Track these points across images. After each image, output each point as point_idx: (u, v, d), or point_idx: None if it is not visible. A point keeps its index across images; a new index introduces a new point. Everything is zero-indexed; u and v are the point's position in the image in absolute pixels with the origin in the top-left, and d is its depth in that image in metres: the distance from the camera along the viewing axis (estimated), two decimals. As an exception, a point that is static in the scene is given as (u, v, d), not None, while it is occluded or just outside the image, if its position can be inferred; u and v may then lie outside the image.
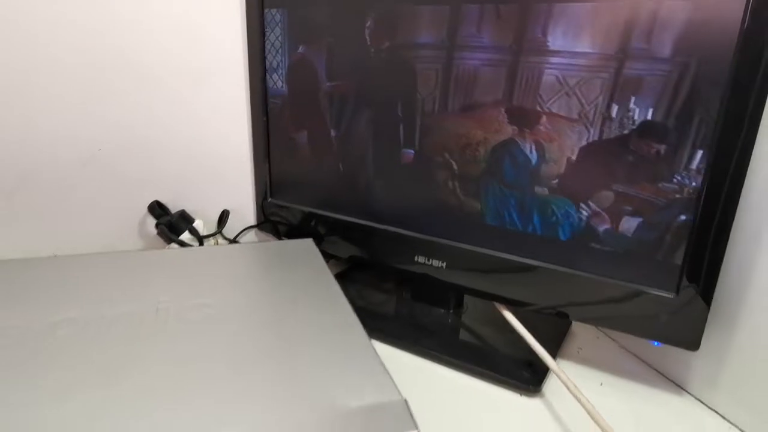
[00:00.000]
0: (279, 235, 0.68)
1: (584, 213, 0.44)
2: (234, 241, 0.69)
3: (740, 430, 0.43)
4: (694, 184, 0.40)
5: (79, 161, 0.62)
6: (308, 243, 0.53)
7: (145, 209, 0.65)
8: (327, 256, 0.53)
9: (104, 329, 0.35)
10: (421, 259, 0.55)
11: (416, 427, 0.28)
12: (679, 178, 0.40)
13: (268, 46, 0.61)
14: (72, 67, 0.59)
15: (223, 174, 0.68)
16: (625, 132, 0.41)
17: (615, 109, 0.41)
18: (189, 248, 0.52)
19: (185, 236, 0.63)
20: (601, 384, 0.48)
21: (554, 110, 0.43)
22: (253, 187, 0.68)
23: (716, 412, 0.45)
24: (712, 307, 0.42)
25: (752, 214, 0.41)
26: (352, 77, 0.55)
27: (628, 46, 0.40)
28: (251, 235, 0.71)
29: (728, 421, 0.44)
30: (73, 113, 0.61)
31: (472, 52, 0.47)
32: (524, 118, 0.45)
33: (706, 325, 0.42)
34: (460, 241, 0.52)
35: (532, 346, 0.47)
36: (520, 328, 0.49)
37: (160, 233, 0.61)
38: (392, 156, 0.54)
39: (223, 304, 0.40)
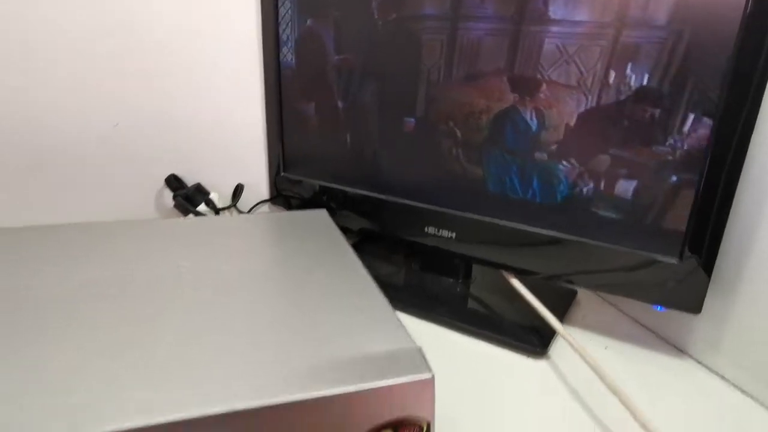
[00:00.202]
0: (291, 209, 0.69)
1: (582, 177, 0.46)
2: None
3: (740, 389, 0.45)
4: (698, 150, 0.41)
5: (97, 137, 0.64)
6: (322, 213, 0.55)
7: (162, 182, 0.67)
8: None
9: (130, 289, 0.37)
10: (431, 230, 0.57)
11: (431, 371, 0.30)
12: (681, 143, 0.42)
13: (279, 20, 0.62)
14: (89, 46, 0.61)
15: (238, 148, 0.69)
16: (622, 98, 0.42)
17: (612, 75, 0.42)
18: (207, 217, 0.54)
19: (201, 208, 0.65)
20: (606, 348, 0.50)
21: (554, 78, 0.45)
22: (266, 161, 0.70)
23: (716, 373, 0.47)
24: (714, 272, 0.43)
25: (755, 182, 0.42)
26: (360, 50, 0.56)
27: (625, 13, 0.41)
28: (264, 209, 0.73)
29: (728, 381, 0.46)
30: (90, 90, 0.62)
31: (475, 22, 0.48)
32: (525, 86, 0.46)
33: (708, 290, 0.44)
34: (469, 212, 0.54)
35: (538, 311, 0.49)
36: (528, 294, 0.51)
37: (178, 205, 0.63)
38: (399, 126, 0.55)
39: (242, 267, 0.41)
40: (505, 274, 0.54)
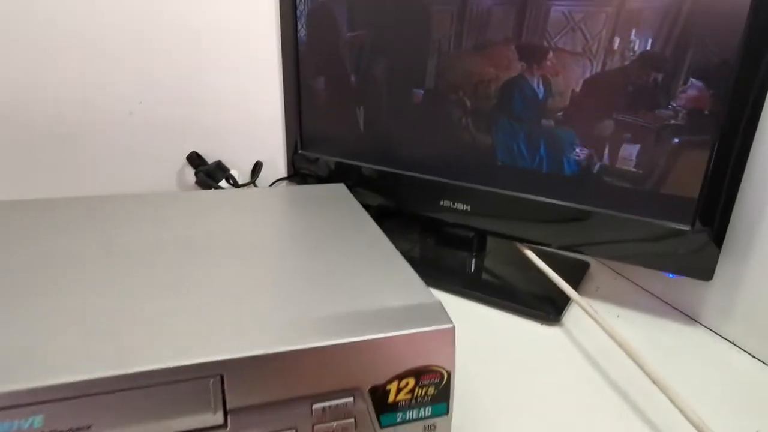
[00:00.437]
0: (309, 186, 0.71)
1: (589, 144, 0.47)
2: (266, 192, 0.72)
3: (750, 354, 0.46)
4: (709, 115, 0.42)
5: (123, 114, 0.66)
6: (341, 186, 0.56)
7: (183, 159, 0.69)
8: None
9: (166, 250, 0.39)
10: (446, 204, 0.58)
11: (451, 322, 0.31)
12: (689, 108, 0.42)
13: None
14: (115, 27, 0.63)
15: (256, 126, 0.71)
16: (626, 63, 0.43)
17: (617, 41, 0.43)
18: (230, 189, 0.55)
19: (222, 185, 0.67)
20: (618, 316, 0.51)
21: (560, 45, 0.46)
22: (284, 139, 0.71)
23: (727, 339, 0.48)
24: (725, 239, 0.44)
25: (766, 148, 0.43)
26: (373, 24, 0.58)
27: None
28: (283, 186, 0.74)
29: (738, 347, 0.47)
30: (117, 68, 0.64)
31: None
32: (533, 54, 0.47)
33: (720, 257, 0.45)
34: (482, 184, 0.55)
35: (552, 279, 0.50)
36: (541, 264, 0.52)
37: (199, 181, 0.65)
38: (411, 98, 0.57)
39: (267, 232, 0.43)
40: (519, 245, 0.55)
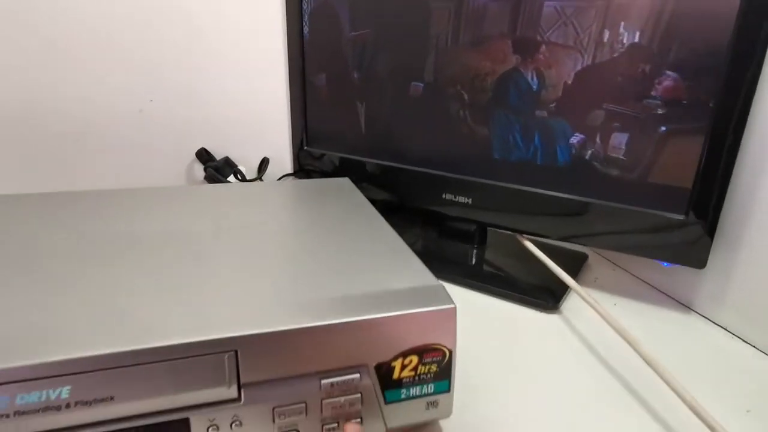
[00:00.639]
0: (314, 182, 0.73)
1: (581, 134, 0.49)
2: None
3: (742, 339, 0.47)
4: (701, 107, 0.43)
5: (134, 111, 0.67)
6: (346, 180, 0.58)
7: (192, 155, 0.71)
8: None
9: (179, 239, 0.41)
10: (448, 197, 0.60)
11: (453, 303, 0.33)
12: (685, 100, 0.44)
13: None
14: (128, 29, 0.65)
15: (263, 123, 0.73)
16: (616, 55, 0.45)
17: (606, 34, 0.45)
18: (239, 183, 0.57)
19: (230, 179, 0.68)
20: (615, 305, 0.53)
21: (553, 39, 0.48)
22: (290, 136, 0.73)
23: (720, 326, 0.49)
24: (717, 228, 0.46)
25: (759, 138, 0.44)
26: (374, 22, 0.59)
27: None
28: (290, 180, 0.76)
29: (731, 332, 0.48)
30: (128, 68, 0.66)
31: None
32: (527, 48, 0.49)
33: (713, 245, 0.47)
34: (482, 177, 0.56)
35: (551, 269, 0.52)
36: (540, 254, 0.54)
37: (208, 176, 0.67)
38: (412, 93, 0.58)
39: (275, 221, 0.45)
40: (519, 237, 0.57)
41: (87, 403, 0.27)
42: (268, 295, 0.33)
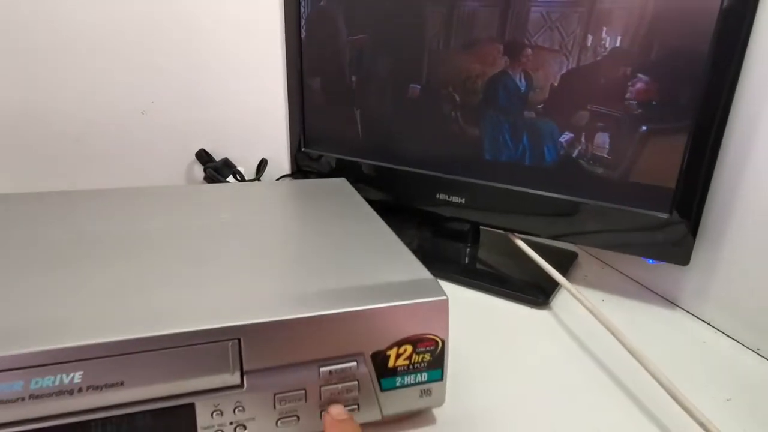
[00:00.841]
0: (311, 182, 0.74)
1: (568, 134, 0.51)
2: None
3: (724, 333, 0.49)
4: (683, 111, 0.45)
5: (135, 113, 0.69)
6: (342, 180, 0.60)
7: (192, 156, 0.72)
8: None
9: (183, 234, 0.42)
10: (442, 197, 0.61)
11: (445, 294, 0.34)
12: (664, 104, 0.46)
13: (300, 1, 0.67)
14: (128, 33, 0.66)
15: (262, 125, 0.75)
16: (599, 58, 0.48)
17: (590, 39, 0.47)
18: (238, 183, 0.59)
19: (229, 180, 0.70)
20: (603, 300, 0.55)
21: (540, 43, 0.50)
22: (288, 137, 0.75)
23: (703, 320, 0.51)
24: (700, 226, 0.48)
25: (739, 139, 0.46)
26: (369, 26, 0.61)
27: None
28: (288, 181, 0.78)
29: (714, 327, 0.50)
30: (129, 70, 0.67)
31: None
32: (515, 51, 0.51)
33: (696, 243, 0.48)
34: (474, 177, 0.58)
35: (541, 266, 0.54)
36: (531, 252, 0.55)
37: (208, 177, 0.68)
38: (406, 96, 0.60)
39: (275, 219, 0.46)
40: (510, 235, 0.58)
41: (98, 388, 0.29)
42: (269, 287, 0.34)
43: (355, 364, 0.33)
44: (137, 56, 0.67)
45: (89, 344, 0.28)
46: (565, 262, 0.62)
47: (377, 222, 0.47)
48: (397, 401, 0.35)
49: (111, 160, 0.70)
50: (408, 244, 0.42)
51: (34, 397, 0.28)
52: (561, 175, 0.53)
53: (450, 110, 0.58)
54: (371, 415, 0.35)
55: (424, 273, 0.37)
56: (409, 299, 0.33)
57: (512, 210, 0.57)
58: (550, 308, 0.53)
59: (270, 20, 0.70)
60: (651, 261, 0.53)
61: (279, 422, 0.32)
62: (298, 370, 0.32)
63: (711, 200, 0.48)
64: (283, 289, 0.34)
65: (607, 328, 0.45)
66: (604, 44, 0.47)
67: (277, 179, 0.76)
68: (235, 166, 0.72)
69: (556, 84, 0.50)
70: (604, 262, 0.64)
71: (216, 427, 0.31)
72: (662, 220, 0.48)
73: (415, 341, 0.34)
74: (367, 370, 0.34)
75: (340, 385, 0.33)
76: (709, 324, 0.51)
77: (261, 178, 0.74)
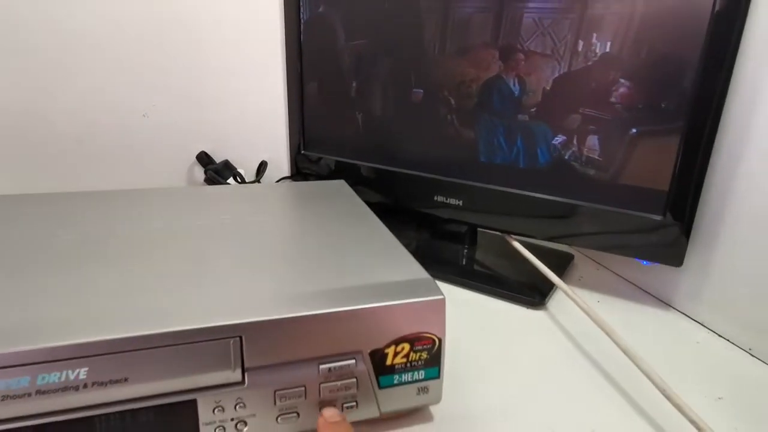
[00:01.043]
0: (311, 184, 0.75)
1: (560, 136, 0.52)
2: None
3: (716, 333, 0.50)
4: (676, 113, 0.46)
5: (136, 115, 0.70)
6: (341, 182, 0.61)
7: (193, 158, 0.73)
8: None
9: (187, 234, 0.43)
10: (440, 199, 0.62)
11: (442, 294, 0.35)
12: (656, 108, 0.47)
13: (300, 6, 0.68)
14: (131, 34, 0.67)
15: (262, 128, 0.76)
16: (590, 63, 0.49)
17: (581, 44, 0.48)
18: (239, 185, 0.59)
19: (230, 182, 0.71)
20: (598, 301, 0.56)
21: (532, 48, 0.51)
22: (288, 140, 0.76)
23: (697, 321, 0.52)
24: (693, 228, 0.49)
25: (730, 142, 0.47)
26: (367, 32, 0.62)
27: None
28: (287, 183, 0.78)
29: (707, 327, 0.51)
30: (131, 73, 0.68)
31: (467, 1, 0.55)
32: (508, 56, 0.53)
33: (689, 245, 0.49)
34: (471, 179, 0.59)
35: (537, 267, 0.54)
36: (527, 253, 0.56)
37: (208, 179, 0.69)
38: (405, 99, 0.62)
39: (275, 220, 0.47)
40: (507, 237, 0.59)
41: (103, 384, 0.29)
42: (270, 286, 0.35)
43: (353, 361, 0.34)
44: (139, 59, 0.68)
45: (94, 341, 0.29)
46: (561, 264, 0.63)
47: (376, 223, 0.47)
48: (395, 398, 0.36)
49: (113, 162, 0.71)
50: (406, 246, 0.43)
51: (40, 392, 0.28)
52: (556, 178, 0.54)
53: (446, 114, 0.59)
54: (369, 412, 0.35)
55: (421, 273, 0.38)
56: (406, 298, 0.34)
57: (509, 212, 0.57)
58: (546, 309, 0.54)
59: (270, 24, 0.71)
60: (645, 262, 0.54)
61: (279, 418, 0.33)
62: (298, 367, 0.33)
63: (704, 202, 0.49)
64: (284, 289, 0.35)
65: (602, 329, 0.46)
66: (595, 49, 0.48)
67: (277, 181, 0.76)
68: (235, 168, 0.73)
69: (548, 88, 0.51)
70: (599, 264, 0.65)
71: (217, 423, 0.32)
72: (656, 222, 0.49)
73: (413, 340, 0.35)
74: (365, 367, 0.34)
75: (339, 383, 0.34)
76: (702, 324, 0.51)
77: (261, 180, 0.75)
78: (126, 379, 0.30)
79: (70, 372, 0.29)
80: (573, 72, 0.49)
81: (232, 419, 0.32)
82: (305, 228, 0.46)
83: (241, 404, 0.32)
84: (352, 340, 0.34)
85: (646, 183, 0.49)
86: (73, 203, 0.49)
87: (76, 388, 0.29)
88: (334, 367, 0.34)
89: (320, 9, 0.65)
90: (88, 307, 0.31)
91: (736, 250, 0.48)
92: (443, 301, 0.35)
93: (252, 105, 0.75)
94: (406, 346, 0.35)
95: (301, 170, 0.75)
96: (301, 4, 0.67)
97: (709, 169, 0.47)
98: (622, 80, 0.48)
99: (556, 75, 0.50)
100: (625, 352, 0.43)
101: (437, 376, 0.36)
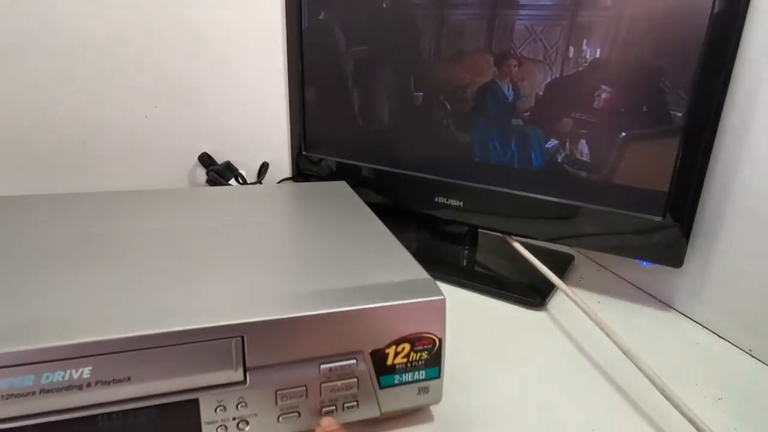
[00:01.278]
0: (312, 186, 0.75)
1: (553, 140, 0.52)
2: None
3: (716, 334, 0.50)
4: (675, 116, 0.46)
5: (139, 117, 0.70)
6: (343, 183, 0.61)
7: (195, 160, 0.73)
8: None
9: (189, 234, 0.43)
10: (440, 200, 0.62)
11: (442, 294, 0.35)
12: (654, 111, 0.47)
13: (302, 9, 0.68)
14: (134, 36, 0.67)
15: (264, 129, 0.76)
16: (580, 69, 0.49)
17: (572, 50, 0.49)
18: (241, 186, 0.60)
19: (231, 183, 0.71)
20: (599, 302, 0.56)
21: (525, 54, 0.52)
22: (289, 141, 0.76)
23: (697, 322, 0.52)
24: (693, 229, 0.49)
25: (728, 145, 0.47)
26: (367, 38, 0.63)
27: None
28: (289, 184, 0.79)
29: (707, 328, 0.51)
30: (134, 75, 0.69)
31: (460, 8, 0.56)
32: (502, 61, 0.53)
33: (689, 246, 0.49)
34: (470, 180, 0.59)
35: (538, 268, 0.55)
36: (527, 254, 0.56)
37: (210, 180, 0.69)
38: (406, 103, 0.62)
39: (276, 221, 0.47)
40: (508, 238, 0.59)
41: (106, 383, 0.30)
42: (272, 286, 0.35)
43: (354, 361, 0.34)
44: (143, 62, 0.69)
45: (98, 341, 0.29)
46: (562, 265, 0.63)
47: (377, 224, 0.48)
48: (396, 398, 0.36)
49: (116, 163, 0.71)
50: (407, 246, 0.43)
51: (44, 391, 0.29)
52: (557, 180, 0.54)
53: (443, 117, 0.59)
54: (370, 411, 0.36)
55: (422, 273, 0.38)
56: (407, 299, 0.34)
57: (509, 213, 0.58)
58: (546, 309, 0.54)
59: (272, 27, 0.72)
60: (645, 263, 0.54)
61: (280, 418, 0.33)
62: (299, 367, 0.33)
63: (703, 203, 0.49)
64: (286, 289, 0.35)
65: (602, 329, 0.46)
66: (585, 55, 0.48)
67: (279, 182, 0.77)
68: (237, 170, 0.73)
69: (541, 93, 0.52)
70: (600, 265, 0.65)
71: (219, 422, 0.32)
72: (656, 223, 0.49)
73: (413, 340, 0.35)
74: (366, 367, 0.34)
75: (339, 382, 0.34)
76: (702, 325, 0.52)
77: (262, 181, 0.75)
78: (129, 379, 0.30)
79: (74, 371, 0.29)
80: (565, 77, 0.50)
81: (234, 418, 0.32)
82: (307, 228, 0.46)
83: (243, 404, 0.32)
84: (353, 340, 0.34)
85: (646, 184, 0.49)
86: (76, 204, 0.49)
87: (80, 387, 0.29)
88: (335, 367, 0.34)
89: (321, 15, 0.66)
90: (92, 306, 0.32)
91: (736, 250, 0.48)
92: (444, 301, 0.35)
93: (254, 107, 0.75)
94: (407, 346, 0.35)
95: (302, 171, 0.75)
96: (302, 10, 0.67)
97: (708, 170, 0.47)
98: (617, 85, 0.48)
99: (549, 80, 0.51)
100: (626, 352, 0.43)
101: (438, 376, 0.37)
